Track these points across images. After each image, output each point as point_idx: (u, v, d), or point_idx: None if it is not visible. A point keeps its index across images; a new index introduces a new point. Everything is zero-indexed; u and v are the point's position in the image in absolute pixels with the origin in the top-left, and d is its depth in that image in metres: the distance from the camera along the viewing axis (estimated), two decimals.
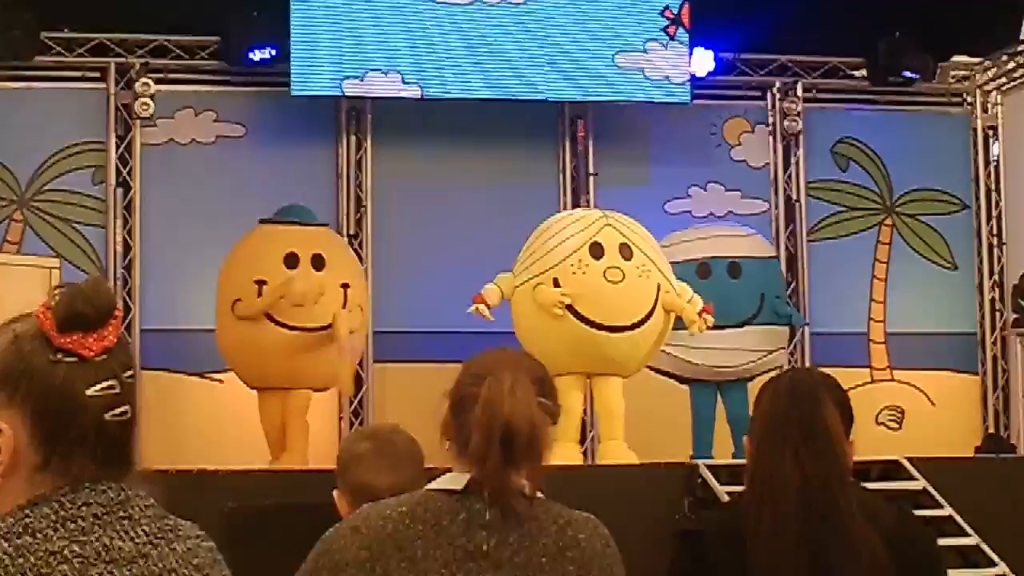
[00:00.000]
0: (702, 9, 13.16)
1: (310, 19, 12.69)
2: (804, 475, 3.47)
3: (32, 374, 2.07)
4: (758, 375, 10.81)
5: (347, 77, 12.76)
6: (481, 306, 10.22)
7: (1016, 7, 13.77)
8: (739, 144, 14.01)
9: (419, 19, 12.88)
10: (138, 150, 12.88)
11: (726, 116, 14.04)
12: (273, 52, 12.79)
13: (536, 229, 10.64)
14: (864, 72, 14.11)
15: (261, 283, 10.65)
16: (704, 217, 13.52)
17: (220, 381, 12.35)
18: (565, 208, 12.69)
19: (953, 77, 14.43)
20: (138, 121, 12.82)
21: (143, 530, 2.09)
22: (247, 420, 11.10)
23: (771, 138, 14.03)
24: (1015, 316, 13.24)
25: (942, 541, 4.72)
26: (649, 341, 10.34)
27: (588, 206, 12.81)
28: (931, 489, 9.47)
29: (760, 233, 12.57)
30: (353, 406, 12.82)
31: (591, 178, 13.42)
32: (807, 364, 13.05)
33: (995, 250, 14.12)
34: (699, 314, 10.26)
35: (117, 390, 2.10)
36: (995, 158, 14.28)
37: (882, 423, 13.66)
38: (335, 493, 3.84)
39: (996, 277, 14.04)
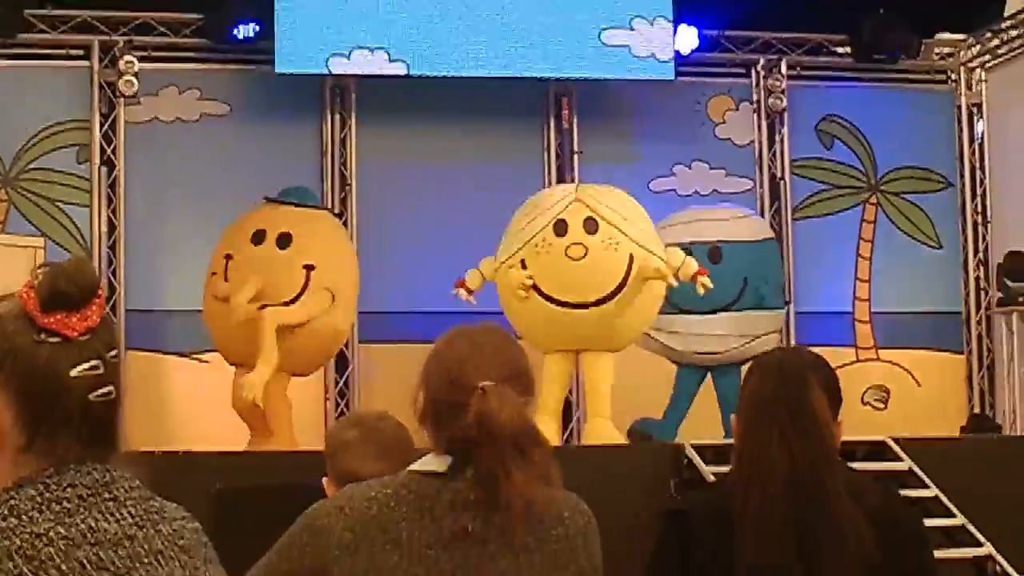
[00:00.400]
0: None
1: None
2: (791, 456, 3.48)
3: (16, 354, 2.06)
4: (751, 358, 10.72)
5: (332, 54, 12.69)
6: (462, 291, 10.26)
7: None
8: (724, 122, 13.96)
9: None
10: (122, 128, 12.80)
11: (711, 94, 13.98)
12: (257, 29, 12.71)
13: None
14: (848, 49, 14.08)
15: (228, 257, 10.64)
16: (689, 195, 13.47)
17: (205, 361, 12.31)
18: (550, 186, 12.64)
19: (937, 54, 14.43)
20: (122, 99, 12.75)
21: (128, 512, 2.08)
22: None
23: (755, 116, 13.98)
24: (1000, 295, 13.21)
25: (928, 521, 4.73)
26: (626, 314, 10.22)
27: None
28: (917, 469, 9.47)
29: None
30: (339, 386, 12.79)
31: (576, 156, 13.39)
32: (792, 343, 12.99)
33: (980, 228, 14.11)
34: (692, 278, 10.22)
35: (101, 370, 2.09)
36: (979, 136, 14.27)
37: (868, 403, 13.64)
38: (324, 480, 3.84)
39: (981, 255, 14.04)
